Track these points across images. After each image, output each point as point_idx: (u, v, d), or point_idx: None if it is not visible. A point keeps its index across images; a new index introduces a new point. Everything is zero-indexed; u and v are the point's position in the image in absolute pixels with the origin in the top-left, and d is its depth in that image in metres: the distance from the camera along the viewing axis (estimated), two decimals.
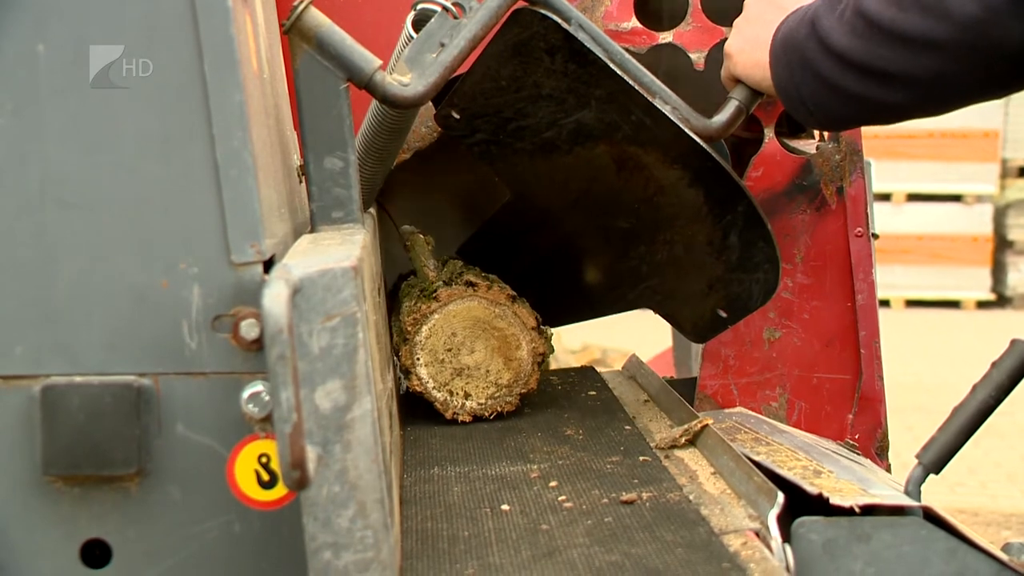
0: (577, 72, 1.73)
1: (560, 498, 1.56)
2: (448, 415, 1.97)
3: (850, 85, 1.53)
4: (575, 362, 6.90)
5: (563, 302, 2.11)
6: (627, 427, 1.90)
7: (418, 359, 1.95)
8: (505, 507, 1.54)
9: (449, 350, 1.96)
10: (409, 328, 1.95)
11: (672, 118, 1.73)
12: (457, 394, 1.97)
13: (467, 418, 1.97)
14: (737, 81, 1.78)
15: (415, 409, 2.00)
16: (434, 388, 1.96)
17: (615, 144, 1.79)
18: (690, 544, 1.36)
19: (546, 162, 1.85)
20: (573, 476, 1.65)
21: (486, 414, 1.98)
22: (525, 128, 1.82)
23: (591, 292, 2.06)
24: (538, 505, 1.54)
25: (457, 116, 1.84)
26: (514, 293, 1.97)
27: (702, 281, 1.86)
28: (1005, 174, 11.67)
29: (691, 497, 1.52)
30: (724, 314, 1.87)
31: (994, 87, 1.49)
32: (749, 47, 1.73)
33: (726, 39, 1.87)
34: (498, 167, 1.92)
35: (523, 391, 1.99)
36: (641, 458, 1.72)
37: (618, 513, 1.49)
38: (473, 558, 1.37)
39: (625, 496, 1.54)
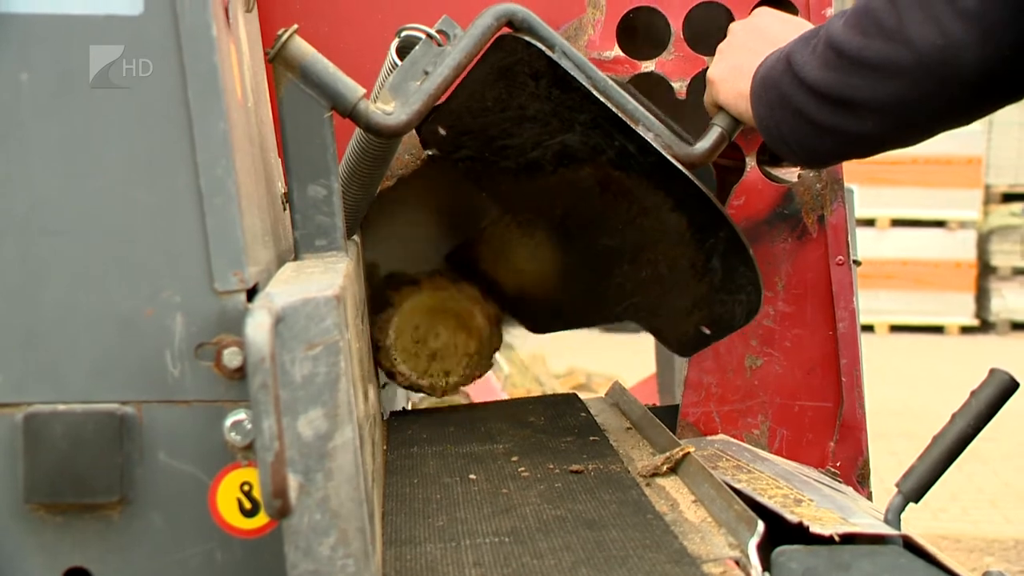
0: (561, 97, 1.74)
1: (520, 469, 1.80)
2: (438, 395, 2.17)
3: (825, 118, 1.56)
4: (560, 387, 6.91)
5: (552, 311, 2.13)
6: (583, 415, 2.11)
7: (395, 359, 2.13)
8: (472, 476, 1.77)
9: (417, 342, 2.15)
10: (378, 336, 2.13)
11: (655, 145, 1.74)
12: (439, 376, 2.17)
13: (455, 391, 2.18)
14: (720, 107, 1.80)
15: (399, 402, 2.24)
16: (418, 378, 2.15)
17: (599, 167, 1.79)
18: (623, 502, 1.62)
19: (531, 181, 1.86)
20: (532, 452, 1.89)
21: (468, 383, 2.18)
22: (510, 147, 1.83)
23: (578, 304, 2.07)
24: (500, 475, 1.77)
25: (443, 132, 1.85)
26: (455, 275, 2.15)
27: (686, 299, 1.87)
28: (988, 200, 11.73)
29: (671, 525, 1.53)
30: (708, 331, 1.88)
31: (956, 113, 1.52)
32: (732, 76, 1.74)
33: (708, 68, 1.88)
34: (483, 184, 1.93)
35: (493, 349, 2.18)
36: (591, 438, 1.96)
37: (567, 480, 1.74)
38: (444, 514, 1.60)
39: (574, 467, 1.79)
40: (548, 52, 1.71)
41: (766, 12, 1.80)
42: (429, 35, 1.68)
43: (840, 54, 1.51)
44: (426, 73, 1.65)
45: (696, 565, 1.38)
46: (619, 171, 1.78)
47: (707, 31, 2.01)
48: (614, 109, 1.73)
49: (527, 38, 1.72)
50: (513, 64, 1.73)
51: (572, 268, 2.02)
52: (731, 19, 2.00)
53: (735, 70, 1.74)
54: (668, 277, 1.87)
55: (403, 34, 1.71)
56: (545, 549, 1.44)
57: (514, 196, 1.92)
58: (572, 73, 1.72)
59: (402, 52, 1.70)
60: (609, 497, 1.64)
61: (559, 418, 2.11)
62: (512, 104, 1.77)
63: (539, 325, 2.18)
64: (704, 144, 1.80)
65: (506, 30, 1.73)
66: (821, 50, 1.54)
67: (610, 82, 1.77)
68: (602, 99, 1.73)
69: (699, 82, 1.96)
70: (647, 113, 1.78)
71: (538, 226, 1.96)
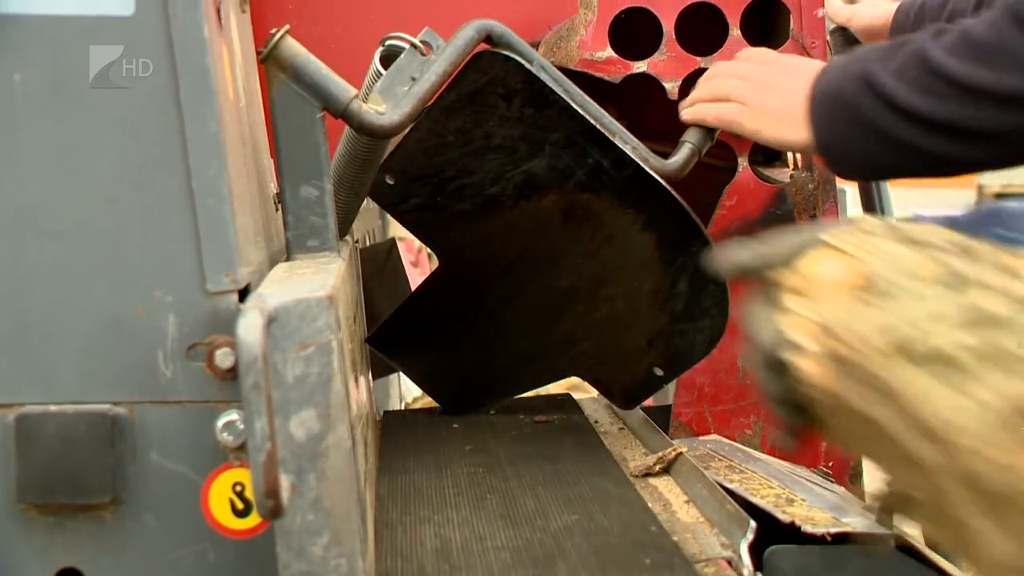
0: (534, 117, 1.73)
1: (496, 422, 2.05)
2: None
3: (921, 142, 1.54)
4: (552, 387, 6.90)
5: (478, 383, 2.08)
6: (576, 415, 2.18)
7: None
8: (455, 426, 2.03)
9: None
10: None
11: (633, 156, 1.73)
12: None
13: None
14: (690, 125, 1.81)
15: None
16: None
17: (566, 193, 1.77)
18: (582, 444, 1.89)
19: (487, 222, 1.82)
20: (508, 412, 2.11)
21: None
22: (467, 186, 1.79)
23: (513, 366, 2.02)
24: (479, 425, 2.03)
25: (391, 182, 1.81)
26: None
27: (641, 337, 1.84)
28: (981, 200, 11.73)
29: (665, 525, 1.53)
30: (660, 372, 1.86)
31: None
32: (760, 98, 1.73)
33: (700, 68, 1.88)
34: (431, 234, 1.89)
35: None
36: (585, 438, 2.04)
37: (535, 428, 2.03)
38: (427, 453, 1.86)
39: (540, 418, 2.06)
40: (527, 65, 1.71)
41: (753, 50, 1.82)
42: (413, 44, 1.68)
43: (953, 84, 1.49)
44: (413, 80, 1.65)
45: (688, 565, 1.38)
46: (588, 193, 1.76)
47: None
48: (593, 122, 1.72)
49: (505, 52, 1.71)
50: (485, 85, 1.72)
51: (516, 322, 1.95)
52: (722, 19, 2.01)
53: (771, 107, 1.72)
54: (625, 313, 1.84)
55: (387, 43, 1.72)
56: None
57: (465, 244, 1.86)
58: (551, 86, 1.71)
59: (386, 61, 1.70)
60: (569, 440, 1.81)
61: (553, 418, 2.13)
62: (477, 134, 1.75)
63: (459, 403, 2.10)
64: (677, 159, 1.80)
65: (483, 45, 1.73)
66: (916, 75, 1.52)
67: (586, 96, 1.76)
68: (581, 112, 1.72)
69: (691, 83, 1.97)
70: (622, 128, 1.78)
71: (487, 276, 1.90)
